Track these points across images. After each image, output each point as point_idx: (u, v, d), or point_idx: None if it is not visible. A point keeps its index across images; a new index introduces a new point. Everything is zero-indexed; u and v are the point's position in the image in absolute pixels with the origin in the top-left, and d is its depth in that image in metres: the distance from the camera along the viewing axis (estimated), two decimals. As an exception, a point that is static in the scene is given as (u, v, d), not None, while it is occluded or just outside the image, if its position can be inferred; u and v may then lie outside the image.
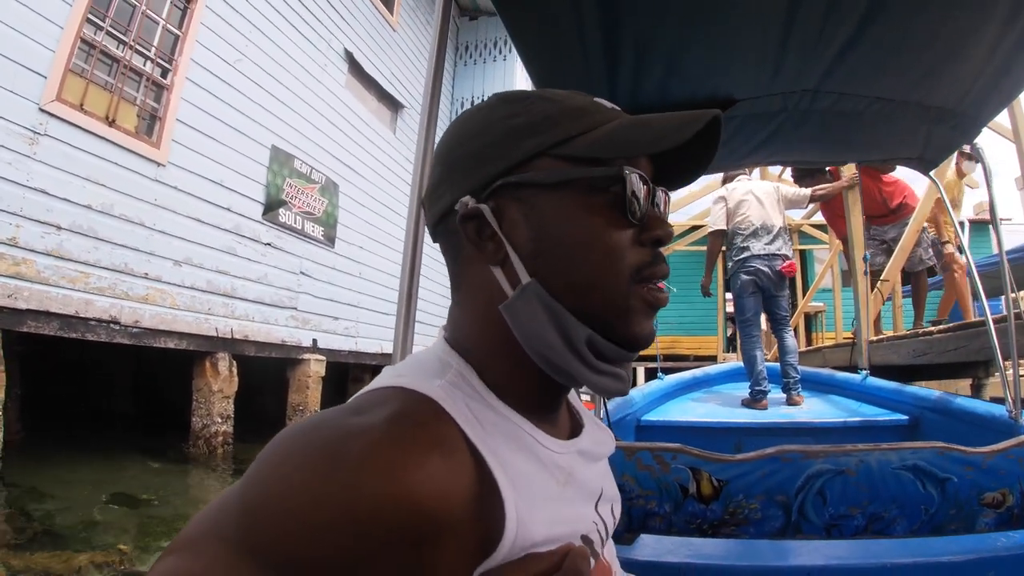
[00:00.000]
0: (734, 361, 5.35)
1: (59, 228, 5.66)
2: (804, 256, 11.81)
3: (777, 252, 4.86)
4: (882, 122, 2.38)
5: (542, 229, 0.64)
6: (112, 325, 6.14)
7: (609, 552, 0.78)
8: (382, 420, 0.53)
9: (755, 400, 4.49)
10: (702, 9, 1.75)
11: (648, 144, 0.63)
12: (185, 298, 7.03)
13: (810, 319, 10.89)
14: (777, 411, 4.35)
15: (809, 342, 10.29)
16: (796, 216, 10.89)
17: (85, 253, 5.91)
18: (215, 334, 7.36)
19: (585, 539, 0.66)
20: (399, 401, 0.57)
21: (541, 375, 0.65)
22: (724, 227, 5.12)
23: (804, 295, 10.46)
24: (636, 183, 0.64)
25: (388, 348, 10.57)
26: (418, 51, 12.65)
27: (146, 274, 6.56)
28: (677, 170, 0.73)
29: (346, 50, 10.12)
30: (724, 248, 5.25)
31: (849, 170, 5.86)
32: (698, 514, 1.92)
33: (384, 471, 0.49)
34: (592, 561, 0.64)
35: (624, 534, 1.85)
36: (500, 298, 0.65)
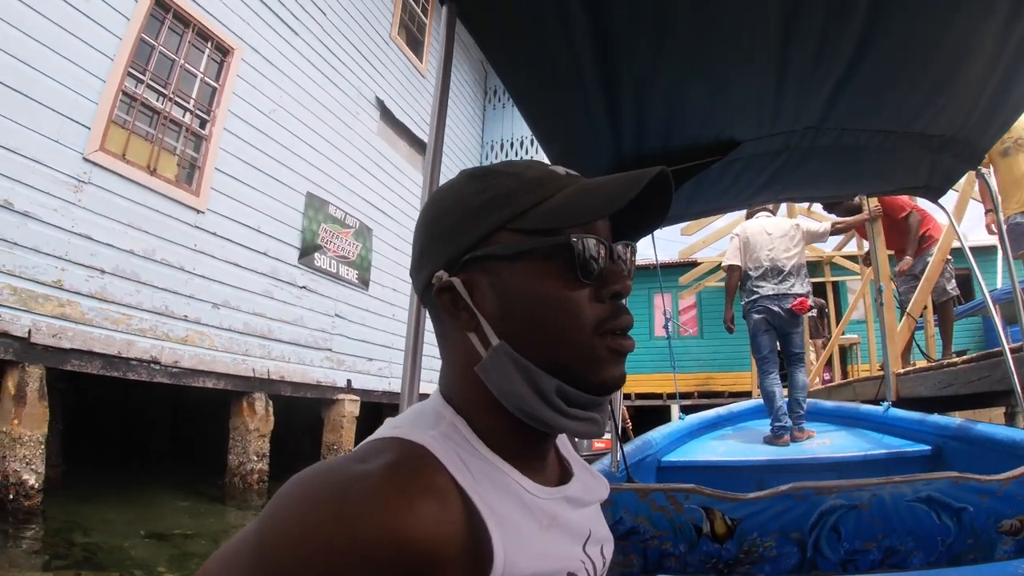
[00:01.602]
0: (757, 399, 5.31)
1: (103, 272, 5.90)
2: (837, 288, 11.60)
3: (788, 292, 4.86)
4: (886, 154, 2.41)
5: (507, 296, 0.70)
6: (153, 365, 6.33)
7: None
8: (381, 468, 0.59)
9: (776, 436, 4.49)
10: (695, 56, 1.80)
11: (590, 212, 0.68)
12: (223, 339, 7.22)
13: (845, 351, 10.63)
14: (799, 447, 4.34)
15: (844, 375, 10.04)
16: (828, 248, 10.74)
17: (127, 296, 6.14)
18: (252, 374, 7.52)
19: None
20: (396, 451, 0.63)
21: (522, 425, 0.71)
22: (739, 263, 5.16)
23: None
24: (587, 247, 0.69)
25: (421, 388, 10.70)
26: (449, 94, 12.93)
27: (186, 316, 6.78)
28: (638, 222, 0.80)
29: (377, 98, 10.47)
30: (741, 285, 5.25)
31: (872, 201, 5.85)
32: (713, 553, 1.92)
33: (383, 514, 0.55)
34: None
35: (640, 575, 1.90)
36: (476, 359, 0.70)
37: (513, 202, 0.70)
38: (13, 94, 5.08)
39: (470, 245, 0.71)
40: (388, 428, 0.69)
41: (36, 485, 4.94)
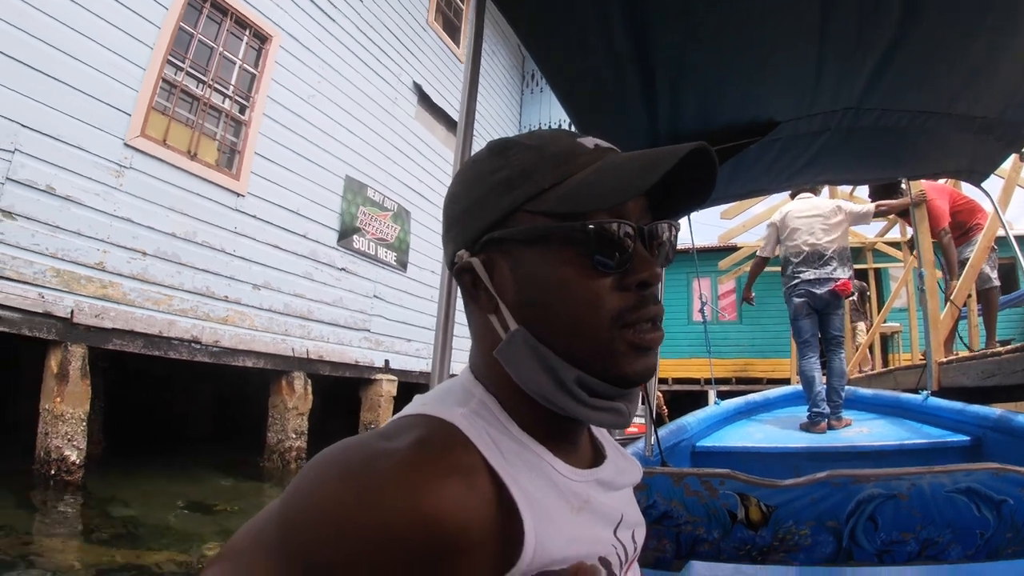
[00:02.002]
0: (795, 385, 5.22)
1: (144, 254, 6.11)
2: (879, 275, 11.20)
3: (829, 276, 4.76)
4: (927, 136, 2.33)
5: (526, 280, 0.67)
6: (193, 344, 6.55)
7: (633, 575, 0.81)
8: (408, 444, 0.58)
9: (813, 423, 4.41)
10: (732, 35, 1.75)
11: (611, 195, 0.63)
12: (263, 320, 7.42)
13: (886, 340, 10.31)
14: (836, 435, 4.25)
15: (886, 363, 9.74)
16: (870, 234, 10.39)
17: (169, 277, 6.36)
18: (291, 354, 7.71)
19: (603, 560, 0.69)
20: (423, 428, 0.61)
21: (549, 408, 0.68)
22: (769, 255, 5.12)
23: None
24: (607, 234, 0.65)
25: (458, 369, 10.80)
26: (484, 80, 12.92)
27: (226, 297, 6.98)
28: (680, 200, 0.74)
29: (415, 83, 10.55)
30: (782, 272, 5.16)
31: (916, 187, 5.65)
32: (747, 540, 1.90)
33: (408, 491, 0.54)
34: None
35: (673, 561, 1.91)
36: (499, 341, 0.68)
37: (531, 181, 0.67)
38: (56, 83, 5.28)
39: (488, 225, 0.69)
40: (417, 405, 0.68)
41: (77, 461, 5.18)
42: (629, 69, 1.89)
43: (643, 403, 6.00)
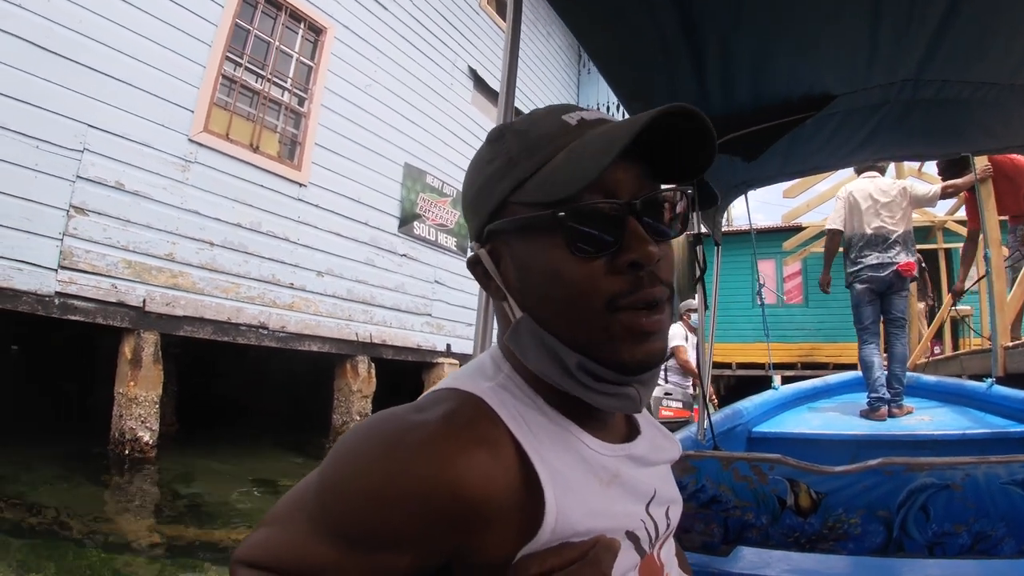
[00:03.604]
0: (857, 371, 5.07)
1: (212, 244, 6.39)
2: (949, 255, 10.54)
3: (892, 261, 4.63)
4: (991, 109, 2.18)
5: (522, 269, 0.68)
6: (261, 330, 6.83)
7: (667, 552, 0.82)
8: (438, 417, 0.61)
9: (872, 409, 4.29)
10: (780, 7, 1.69)
11: (573, 181, 0.62)
12: (327, 306, 7.66)
13: (956, 324, 9.73)
14: (897, 423, 4.14)
15: (956, 348, 9.23)
16: (940, 213, 9.85)
17: (236, 266, 6.63)
18: (355, 338, 7.93)
19: (631, 535, 0.70)
20: (454, 401, 0.65)
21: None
22: (840, 227, 4.96)
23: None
24: (579, 220, 0.64)
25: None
26: (540, 63, 12.93)
27: (291, 284, 7.24)
28: (682, 161, 0.70)
29: (470, 67, 10.57)
30: (842, 250, 5.01)
31: (981, 162, 5.34)
32: (796, 527, 1.87)
33: (436, 461, 0.58)
34: (636, 557, 0.71)
35: (721, 546, 1.89)
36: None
37: (515, 170, 0.68)
38: (120, 84, 5.56)
39: (487, 217, 0.71)
40: (449, 379, 0.72)
41: (150, 441, 5.50)
42: (677, 46, 1.83)
43: (695, 388, 5.91)
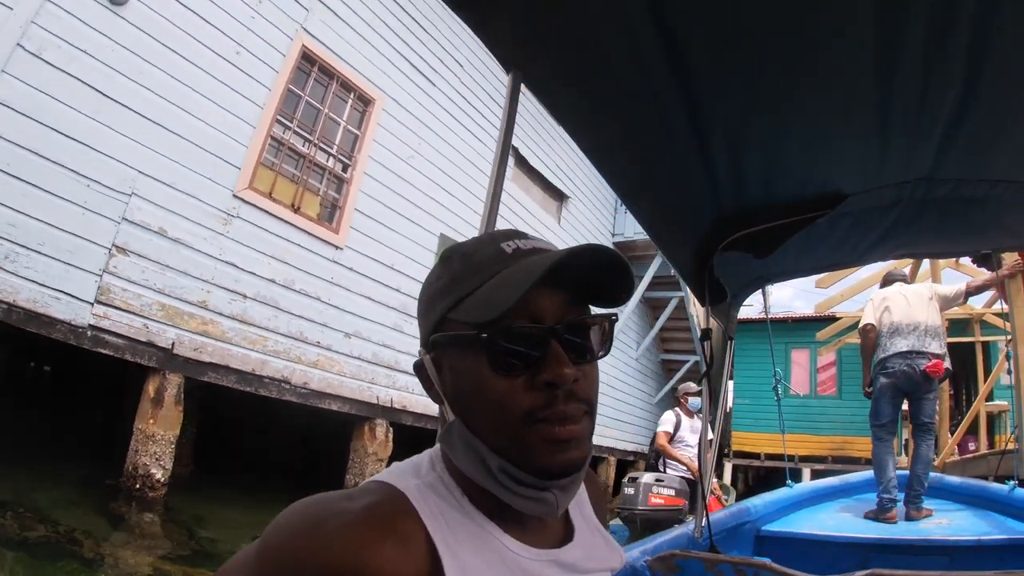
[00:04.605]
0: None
1: (244, 296, 6.56)
2: (987, 348, 10.21)
3: (924, 350, 4.58)
4: (1009, 207, 2.14)
5: (455, 378, 0.75)
6: (283, 384, 6.89)
7: None
8: (359, 507, 0.67)
9: (883, 510, 4.19)
10: (788, 108, 1.71)
11: (490, 310, 0.68)
12: (352, 367, 7.72)
13: (993, 420, 9.36)
14: (914, 526, 4.05)
15: (991, 445, 8.84)
16: (978, 304, 9.65)
17: (266, 320, 6.77)
18: (376, 402, 7.94)
19: None
20: (377, 495, 0.70)
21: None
22: (875, 321, 4.94)
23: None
24: (499, 343, 0.70)
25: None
26: (581, 189, 13.24)
27: (318, 342, 7.34)
28: (604, 289, 0.77)
29: (513, 146, 10.81)
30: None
31: (1011, 257, 5.31)
32: None
33: (348, 546, 0.63)
34: None
35: None
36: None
37: (456, 290, 0.74)
38: (172, 136, 5.87)
39: (431, 328, 0.77)
40: (384, 473, 0.77)
41: (162, 479, 5.51)
42: (684, 148, 1.86)
43: (690, 485, 5.71)
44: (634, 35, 1.47)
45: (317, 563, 0.62)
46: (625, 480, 5.66)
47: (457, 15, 1.42)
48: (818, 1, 1.32)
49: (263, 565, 0.67)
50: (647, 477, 5.48)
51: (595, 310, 0.78)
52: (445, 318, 0.74)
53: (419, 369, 0.79)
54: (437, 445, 0.80)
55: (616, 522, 5.69)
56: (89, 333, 5.17)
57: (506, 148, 1.63)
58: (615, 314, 0.78)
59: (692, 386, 6.70)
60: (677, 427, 6.43)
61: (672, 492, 5.42)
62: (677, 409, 6.66)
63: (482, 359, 0.70)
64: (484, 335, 0.69)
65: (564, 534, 0.83)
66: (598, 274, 0.74)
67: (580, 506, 0.89)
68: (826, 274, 8.33)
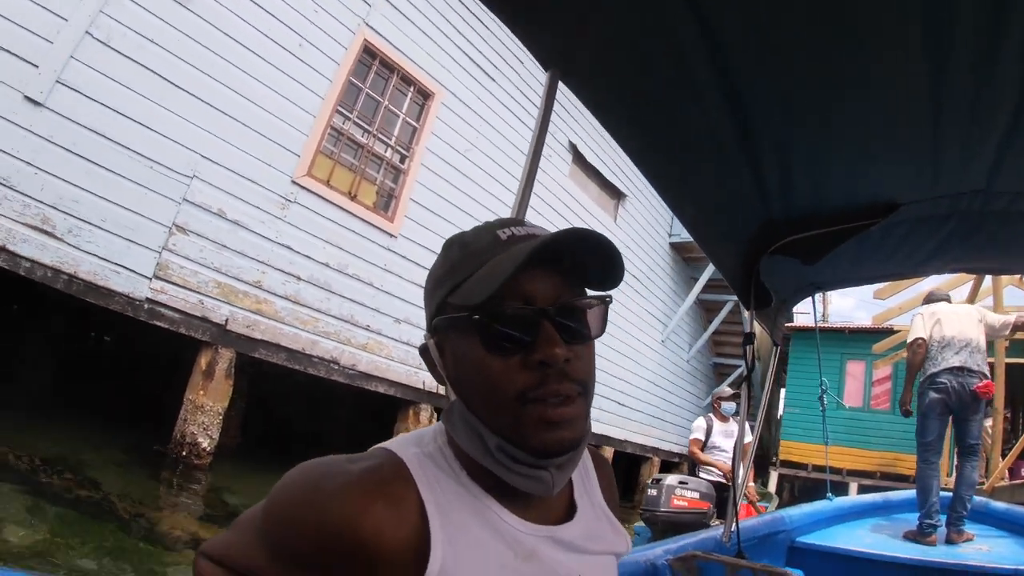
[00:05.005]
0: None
1: (298, 278, 6.85)
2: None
3: (974, 368, 4.42)
4: None
5: (456, 360, 0.78)
6: (332, 364, 7.16)
7: None
8: (358, 470, 0.71)
9: (923, 534, 4.08)
10: (836, 116, 1.67)
11: (480, 292, 0.71)
12: (400, 351, 7.94)
13: None
14: (952, 550, 3.93)
15: None
16: None
17: (318, 302, 7.05)
18: (422, 387, 8.15)
19: None
20: (378, 460, 0.74)
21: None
22: (924, 336, 4.77)
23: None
24: (492, 323, 0.73)
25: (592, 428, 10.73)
26: (636, 195, 13.09)
27: (368, 326, 7.59)
28: (597, 272, 0.80)
29: (570, 142, 10.93)
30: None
31: None
32: None
33: (343, 508, 0.67)
34: None
35: None
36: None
37: (453, 277, 0.77)
38: (235, 123, 6.19)
39: (433, 313, 0.80)
40: (390, 441, 0.80)
41: (208, 448, 5.84)
42: (731, 151, 1.83)
43: (723, 490, 5.59)
44: (675, 35, 1.45)
45: (315, 521, 0.68)
46: (649, 481, 5.61)
47: (494, 14, 1.45)
48: (865, 7, 1.29)
49: (267, 520, 0.74)
50: (671, 479, 5.39)
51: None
52: (445, 303, 0.77)
53: (424, 352, 0.83)
54: (440, 421, 0.84)
55: (639, 524, 5.66)
56: (146, 306, 5.53)
57: (539, 146, 1.62)
58: (609, 296, 0.81)
59: (727, 390, 6.56)
60: (708, 432, 6.30)
61: (696, 495, 5.32)
62: (710, 415, 6.52)
63: (477, 341, 0.73)
64: (477, 317, 0.72)
65: (565, 514, 0.85)
66: (589, 258, 0.77)
67: (588, 488, 0.92)
68: (884, 285, 8.05)
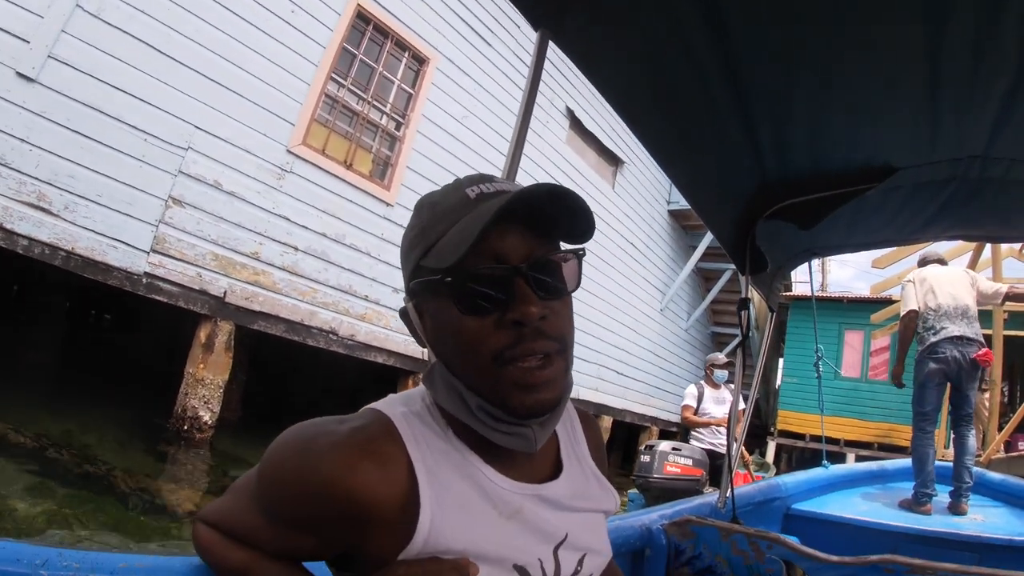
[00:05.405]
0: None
1: (296, 249, 6.80)
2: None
3: (975, 337, 4.41)
4: None
5: (433, 324, 0.79)
6: (331, 335, 7.15)
7: None
8: (347, 430, 0.73)
9: (918, 503, 4.11)
10: (833, 77, 1.65)
11: (451, 254, 0.71)
12: (398, 321, 7.88)
13: None
14: (947, 519, 3.97)
15: None
16: None
17: (316, 272, 7.01)
18: (422, 357, 8.12)
19: (519, 568, 0.77)
20: (366, 419, 0.76)
21: None
22: (916, 307, 4.74)
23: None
24: (462, 284, 0.73)
25: (591, 397, 10.74)
26: (635, 163, 13.01)
27: (367, 296, 7.57)
28: (568, 226, 0.79)
29: (568, 108, 10.80)
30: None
31: None
32: None
33: (333, 466, 0.69)
34: None
35: None
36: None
37: (424, 239, 0.77)
38: (228, 92, 6.09)
39: (409, 276, 0.81)
40: (379, 401, 0.82)
41: (209, 422, 5.86)
42: (724, 111, 1.81)
43: (715, 457, 5.63)
44: None
45: (306, 480, 0.70)
46: (642, 448, 5.64)
47: None
48: None
49: (261, 482, 0.76)
50: (664, 445, 5.40)
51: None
52: (419, 266, 0.77)
53: (404, 315, 0.84)
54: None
55: (633, 490, 5.70)
56: (144, 280, 5.49)
57: (529, 108, 1.62)
58: (583, 249, 0.80)
59: (720, 357, 6.51)
60: (700, 399, 6.31)
61: (689, 462, 5.34)
62: (701, 382, 6.52)
63: (451, 303, 0.73)
64: (450, 280, 0.72)
65: (551, 472, 0.87)
66: (559, 211, 0.76)
67: (575, 447, 0.93)
68: (883, 254, 8.03)
